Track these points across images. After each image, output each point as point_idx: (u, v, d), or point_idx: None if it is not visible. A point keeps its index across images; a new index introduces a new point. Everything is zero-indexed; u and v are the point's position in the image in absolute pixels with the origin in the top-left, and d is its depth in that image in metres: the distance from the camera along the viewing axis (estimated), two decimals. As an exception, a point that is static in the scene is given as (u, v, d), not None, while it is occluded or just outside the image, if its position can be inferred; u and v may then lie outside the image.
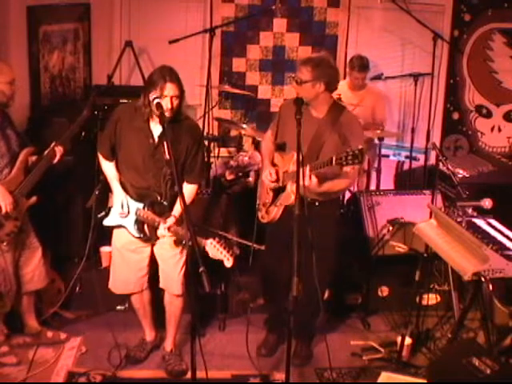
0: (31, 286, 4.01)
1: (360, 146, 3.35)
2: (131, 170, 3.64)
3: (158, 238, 3.70)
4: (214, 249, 3.44)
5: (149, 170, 3.59)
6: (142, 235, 3.66)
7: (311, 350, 4.17)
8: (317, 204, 3.75)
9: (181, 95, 3.44)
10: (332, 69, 3.73)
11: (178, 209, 3.58)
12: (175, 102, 3.42)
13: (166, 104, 3.37)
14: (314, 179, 3.54)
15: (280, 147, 3.95)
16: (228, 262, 3.43)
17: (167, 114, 3.35)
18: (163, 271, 3.81)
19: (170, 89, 3.38)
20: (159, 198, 3.60)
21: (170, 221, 3.53)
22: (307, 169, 3.49)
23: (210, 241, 3.45)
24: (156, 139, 3.55)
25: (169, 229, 3.53)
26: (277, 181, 3.85)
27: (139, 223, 3.64)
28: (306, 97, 3.70)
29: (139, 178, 3.63)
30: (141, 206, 3.62)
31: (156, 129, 3.55)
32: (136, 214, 3.62)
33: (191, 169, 3.65)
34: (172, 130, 3.35)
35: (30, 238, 3.95)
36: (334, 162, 3.42)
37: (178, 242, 3.65)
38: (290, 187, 3.73)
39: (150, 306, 4.01)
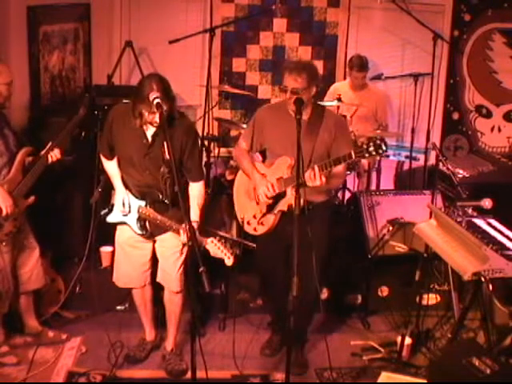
0: (29, 285, 4.01)
1: (379, 136, 3.30)
2: (130, 167, 3.67)
3: (159, 234, 3.71)
4: (214, 247, 3.47)
5: (145, 169, 3.62)
6: (144, 232, 3.68)
7: (305, 357, 4.13)
8: (310, 208, 3.67)
9: (168, 100, 3.40)
10: (317, 70, 3.75)
11: (195, 212, 3.62)
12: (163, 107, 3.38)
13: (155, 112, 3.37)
14: (324, 179, 3.49)
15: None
16: (229, 261, 3.47)
17: (158, 122, 3.38)
18: (162, 268, 3.82)
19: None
20: (160, 197, 3.62)
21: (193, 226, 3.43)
22: (316, 169, 3.46)
23: (210, 239, 3.48)
24: (150, 139, 3.59)
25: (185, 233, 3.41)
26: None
27: (141, 220, 3.66)
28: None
29: (138, 176, 3.65)
30: (143, 203, 3.64)
31: (149, 130, 3.58)
32: (138, 211, 3.65)
33: (191, 166, 3.66)
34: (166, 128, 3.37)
35: (27, 238, 3.96)
36: (353, 156, 3.34)
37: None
38: (291, 192, 3.61)
39: (151, 303, 4.02)
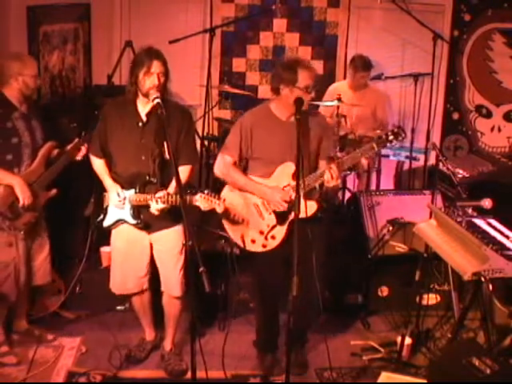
0: (35, 281, 4.03)
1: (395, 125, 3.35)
2: (124, 157, 3.67)
3: (155, 228, 3.71)
4: (204, 200, 3.47)
5: (142, 153, 3.62)
6: (138, 221, 3.67)
7: (305, 358, 4.12)
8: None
9: (166, 72, 3.56)
10: None
11: (171, 186, 3.61)
12: (162, 79, 3.53)
13: (153, 81, 3.49)
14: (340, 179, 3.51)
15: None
16: (220, 208, 3.48)
17: (155, 91, 3.45)
18: (163, 274, 3.82)
19: (156, 66, 3.51)
20: (148, 178, 3.63)
21: (160, 193, 3.54)
22: (334, 168, 3.42)
23: (198, 195, 3.48)
24: (144, 118, 3.63)
25: (160, 199, 3.52)
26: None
27: (134, 209, 3.66)
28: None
29: (131, 164, 3.65)
30: (133, 191, 3.64)
31: (143, 109, 3.63)
32: (130, 200, 3.65)
33: (183, 149, 3.66)
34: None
35: (42, 232, 3.99)
36: (375, 147, 3.46)
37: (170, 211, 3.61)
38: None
39: (150, 306, 4.02)
